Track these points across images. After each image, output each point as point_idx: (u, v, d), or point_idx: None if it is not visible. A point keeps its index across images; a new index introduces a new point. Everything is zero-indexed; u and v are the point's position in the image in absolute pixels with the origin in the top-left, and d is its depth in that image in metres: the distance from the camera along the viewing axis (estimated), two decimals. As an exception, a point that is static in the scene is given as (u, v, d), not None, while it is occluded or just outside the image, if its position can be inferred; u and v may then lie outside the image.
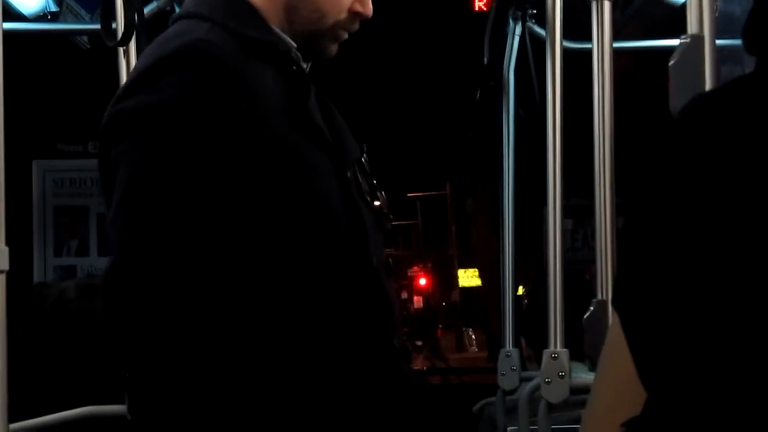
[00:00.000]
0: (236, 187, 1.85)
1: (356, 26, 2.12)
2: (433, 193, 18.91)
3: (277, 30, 2.04)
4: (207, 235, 1.82)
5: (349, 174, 2.01)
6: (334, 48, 2.12)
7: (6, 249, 2.31)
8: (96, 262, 6.63)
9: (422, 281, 22.58)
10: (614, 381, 1.56)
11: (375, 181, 2.08)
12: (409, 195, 18.68)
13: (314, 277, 1.92)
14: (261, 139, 1.88)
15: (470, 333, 20.22)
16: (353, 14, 2.09)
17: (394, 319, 2.04)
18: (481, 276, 14.89)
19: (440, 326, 20.49)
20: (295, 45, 2.06)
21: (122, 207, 1.84)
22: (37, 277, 6.43)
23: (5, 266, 2.31)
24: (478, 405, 4.37)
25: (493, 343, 8.89)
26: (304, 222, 1.92)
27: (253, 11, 2.03)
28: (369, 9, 2.10)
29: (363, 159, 2.08)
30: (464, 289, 21.30)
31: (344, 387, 1.92)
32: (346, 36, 2.11)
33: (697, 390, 1.54)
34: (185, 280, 1.80)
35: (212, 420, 1.82)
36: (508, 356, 4.09)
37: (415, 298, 21.40)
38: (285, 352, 1.88)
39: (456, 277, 21.29)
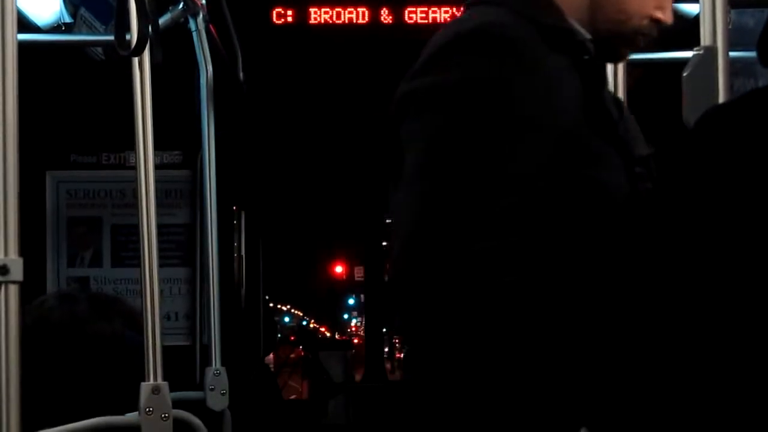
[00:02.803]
0: (527, 173, 1.83)
1: (655, 33, 2.11)
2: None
3: (574, 23, 2.03)
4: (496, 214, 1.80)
5: (637, 170, 2.00)
6: (627, 53, 2.12)
7: (20, 260, 2.31)
8: (110, 274, 6.61)
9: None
10: None
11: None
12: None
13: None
14: (553, 127, 1.86)
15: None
16: (654, 21, 2.09)
17: None
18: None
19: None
20: (590, 37, 2.04)
21: (412, 186, 1.84)
22: (50, 288, 6.43)
23: (19, 277, 2.30)
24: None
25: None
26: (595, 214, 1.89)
27: (552, 4, 2.02)
28: (670, 16, 2.10)
29: (649, 161, 2.05)
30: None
31: None
32: (642, 44, 2.11)
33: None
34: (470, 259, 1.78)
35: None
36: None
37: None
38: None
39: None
